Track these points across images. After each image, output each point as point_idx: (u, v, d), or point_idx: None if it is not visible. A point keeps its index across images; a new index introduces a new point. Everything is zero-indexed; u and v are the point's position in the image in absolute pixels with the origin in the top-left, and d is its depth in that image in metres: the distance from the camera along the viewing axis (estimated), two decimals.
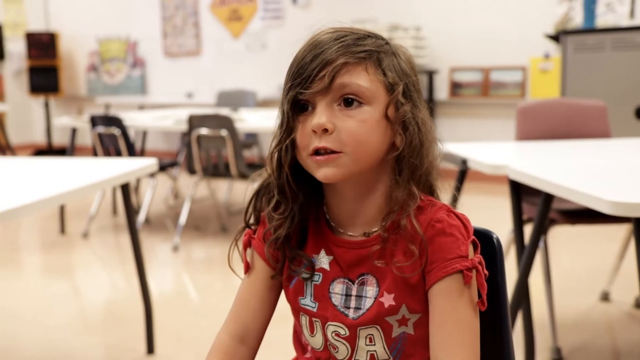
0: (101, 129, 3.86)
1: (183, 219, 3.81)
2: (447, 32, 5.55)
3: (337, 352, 0.91)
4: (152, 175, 3.98)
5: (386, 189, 0.88)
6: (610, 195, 1.35)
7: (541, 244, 2.19)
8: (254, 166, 3.94)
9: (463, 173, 2.12)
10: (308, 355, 0.96)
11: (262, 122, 3.99)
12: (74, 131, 4.21)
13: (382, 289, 0.87)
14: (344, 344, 0.90)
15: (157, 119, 4.39)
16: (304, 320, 0.93)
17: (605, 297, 2.68)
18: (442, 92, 5.66)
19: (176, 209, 4.66)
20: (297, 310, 0.94)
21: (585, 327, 2.43)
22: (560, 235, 3.41)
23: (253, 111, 4.94)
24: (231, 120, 3.60)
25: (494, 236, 0.96)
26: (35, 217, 4.46)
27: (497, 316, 0.95)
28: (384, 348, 0.88)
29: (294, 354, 1.00)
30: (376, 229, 0.88)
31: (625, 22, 3.94)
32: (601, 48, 3.85)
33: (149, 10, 7.27)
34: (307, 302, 0.92)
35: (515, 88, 5.38)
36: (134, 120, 4.20)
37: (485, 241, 0.95)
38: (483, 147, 2.33)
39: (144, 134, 5.22)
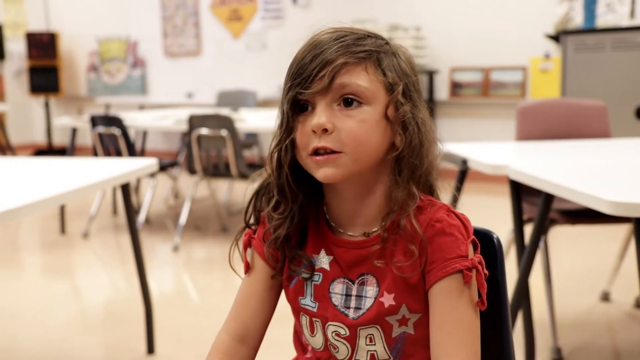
0: (101, 129, 3.86)
1: (183, 219, 3.81)
2: (447, 32, 5.55)
3: (337, 352, 0.91)
4: (152, 175, 3.98)
5: (386, 189, 0.88)
6: (611, 195, 1.35)
7: (541, 244, 2.19)
8: (254, 166, 3.94)
9: (463, 173, 2.12)
10: (308, 355, 0.96)
11: (262, 122, 3.99)
12: (74, 131, 4.21)
13: (382, 288, 0.87)
14: (344, 343, 0.90)
15: (157, 119, 4.39)
16: (304, 320, 0.93)
17: (605, 297, 2.68)
18: (442, 92, 5.66)
19: (176, 209, 4.66)
20: (297, 310, 0.94)
21: (585, 327, 2.43)
22: (560, 235, 3.41)
23: (253, 111, 4.95)
24: (231, 120, 3.60)
25: (494, 236, 0.96)
26: (36, 217, 4.46)
27: (497, 316, 0.95)
28: (384, 348, 0.88)
29: (294, 354, 1.00)
30: (376, 229, 0.88)
31: (626, 22, 3.94)
32: (601, 48, 3.85)
33: (149, 10, 7.27)
34: (307, 302, 0.92)
35: (516, 88, 5.38)
36: (134, 120, 4.20)
37: (486, 241, 0.95)
38: (483, 147, 2.33)
39: (144, 134, 5.22)
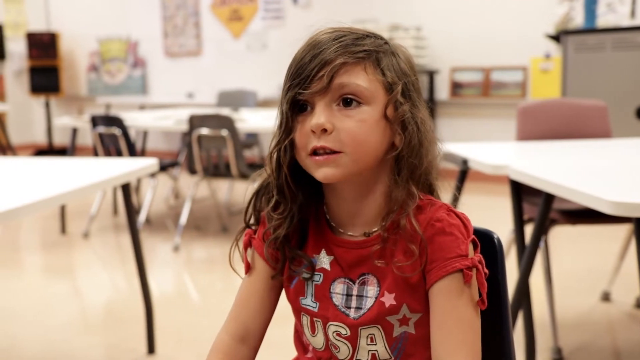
0: (102, 129, 3.87)
1: (184, 219, 3.81)
2: (447, 32, 5.55)
3: (338, 351, 0.91)
4: (152, 175, 3.98)
5: (385, 189, 0.87)
6: (611, 195, 1.35)
7: (542, 244, 2.19)
8: (255, 166, 3.94)
9: (464, 173, 2.12)
10: (309, 355, 0.96)
11: (262, 122, 3.99)
12: (74, 131, 4.21)
13: (383, 288, 0.87)
14: (345, 343, 0.90)
15: (157, 119, 4.39)
16: (305, 320, 0.93)
17: (606, 297, 2.68)
18: (442, 92, 5.65)
19: (177, 209, 4.66)
20: (298, 310, 0.94)
21: (586, 327, 2.43)
22: (560, 235, 3.41)
23: (253, 111, 4.95)
24: (232, 120, 3.60)
25: (495, 236, 0.96)
26: (36, 217, 4.46)
27: (497, 316, 0.95)
28: (385, 347, 0.88)
29: (294, 353, 1.00)
30: (376, 228, 0.88)
31: (626, 22, 3.94)
32: (602, 48, 3.84)
33: (149, 10, 7.27)
34: (308, 302, 0.92)
35: (516, 88, 5.38)
36: (134, 120, 4.20)
37: (486, 241, 0.95)
38: (484, 147, 2.33)
39: (145, 134, 5.22)
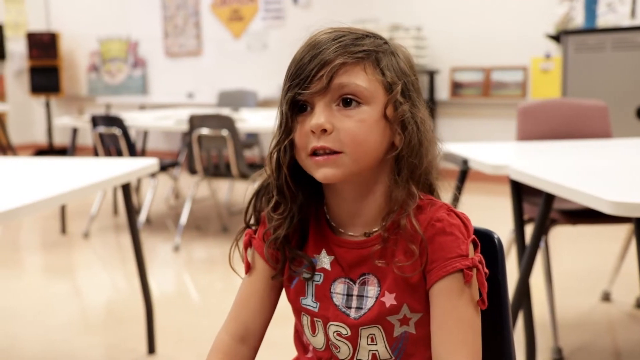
0: (102, 129, 3.87)
1: (184, 219, 3.81)
2: (448, 32, 5.55)
3: (338, 351, 0.91)
4: (153, 175, 3.98)
5: (386, 189, 0.87)
6: (611, 195, 1.35)
7: (542, 244, 2.19)
8: (255, 166, 3.95)
9: (464, 173, 2.12)
10: (309, 355, 0.96)
11: (262, 122, 3.99)
12: (74, 131, 4.21)
13: (384, 288, 0.87)
14: (345, 343, 0.90)
15: (158, 119, 4.39)
16: (306, 320, 0.93)
17: (606, 297, 2.68)
18: (443, 92, 5.65)
19: (177, 209, 4.66)
20: (298, 310, 0.94)
21: (586, 327, 2.43)
22: (561, 236, 3.41)
23: (254, 111, 4.95)
24: (232, 120, 3.60)
25: (495, 236, 0.96)
26: (36, 217, 4.46)
27: (498, 316, 0.95)
28: (386, 347, 0.88)
29: (294, 353, 1.00)
30: (376, 228, 0.88)
31: (626, 22, 3.94)
32: (602, 48, 3.84)
33: (149, 10, 7.27)
34: (309, 302, 0.92)
35: (516, 88, 5.38)
36: (134, 120, 4.20)
37: (486, 241, 0.95)
38: (484, 147, 2.33)
39: (145, 134, 5.22)
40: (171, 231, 4.09)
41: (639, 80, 3.78)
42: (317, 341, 0.93)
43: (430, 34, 5.56)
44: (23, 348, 2.41)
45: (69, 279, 3.32)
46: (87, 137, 5.58)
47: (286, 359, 1.05)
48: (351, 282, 0.90)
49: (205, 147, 3.70)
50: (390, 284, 0.87)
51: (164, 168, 4.03)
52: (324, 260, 0.92)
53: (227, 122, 3.60)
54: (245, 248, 0.96)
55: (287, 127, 0.86)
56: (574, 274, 3.01)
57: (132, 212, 2.20)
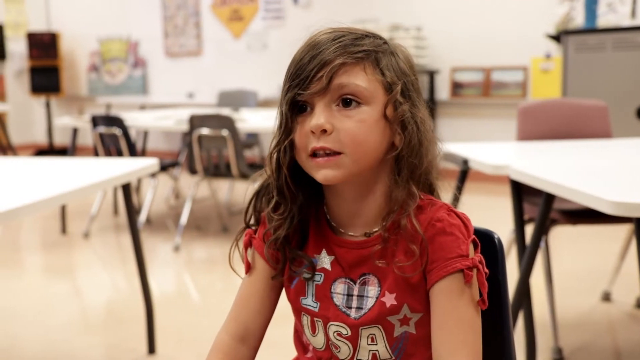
0: (102, 129, 3.87)
1: (184, 219, 3.81)
2: (448, 32, 5.55)
3: (339, 351, 0.91)
4: (153, 175, 3.98)
5: (386, 189, 0.87)
6: (612, 195, 1.35)
7: (542, 244, 2.19)
8: (255, 166, 3.95)
9: (464, 173, 2.12)
10: (309, 355, 0.96)
11: (263, 122, 3.99)
12: (75, 131, 4.22)
13: (384, 288, 0.87)
14: (345, 343, 0.90)
15: (158, 119, 4.39)
16: (306, 320, 0.93)
17: (606, 297, 2.68)
18: (443, 92, 5.65)
19: (177, 209, 4.66)
20: (298, 310, 0.94)
21: (586, 327, 2.43)
22: (561, 236, 3.41)
23: (254, 111, 4.95)
24: (232, 120, 3.60)
25: (495, 236, 0.96)
26: (37, 217, 4.46)
27: (498, 316, 0.95)
28: (386, 347, 0.88)
29: (294, 353, 1.00)
30: (377, 229, 0.88)
31: (627, 22, 3.94)
32: (602, 48, 3.84)
33: (150, 10, 7.27)
34: (309, 302, 0.92)
35: (517, 88, 5.38)
36: (135, 120, 4.20)
37: (487, 241, 0.95)
38: (484, 147, 2.33)
39: (145, 134, 5.22)
40: (171, 231, 4.09)
41: (639, 81, 3.78)
42: (317, 341, 0.93)
43: (431, 34, 5.56)
44: (23, 348, 2.41)
45: (69, 279, 3.32)
46: (87, 137, 5.59)
47: (286, 359, 1.05)
48: (351, 282, 0.90)
49: (206, 147, 3.70)
50: (390, 284, 0.87)
51: (164, 168, 4.03)
52: (324, 260, 0.92)
53: (227, 122, 3.60)
54: (246, 248, 0.96)
55: (287, 127, 0.86)
56: (574, 274, 3.01)
57: (132, 212, 2.20)
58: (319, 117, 0.83)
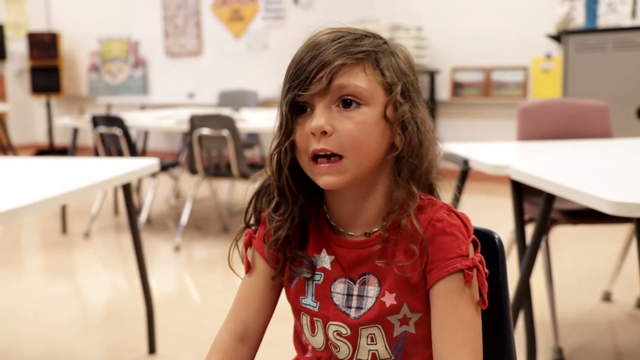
0: (103, 129, 3.87)
1: (184, 219, 3.81)
2: (448, 32, 5.55)
3: (338, 351, 0.91)
4: (153, 175, 3.98)
5: (386, 189, 0.87)
6: (612, 195, 1.35)
7: (543, 244, 2.19)
8: (256, 166, 3.95)
9: (464, 173, 2.12)
10: (309, 355, 0.96)
11: (263, 122, 3.99)
12: (75, 131, 4.22)
13: (384, 288, 0.87)
14: (345, 343, 0.90)
15: (158, 119, 4.39)
16: (305, 319, 0.93)
17: (607, 297, 2.68)
18: (443, 92, 5.65)
19: (177, 209, 4.66)
20: (298, 310, 0.94)
21: (586, 327, 2.43)
22: (561, 236, 3.41)
23: (254, 111, 4.95)
24: (232, 120, 3.60)
25: (496, 236, 0.96)
26: (37, 217, 4.46)
27: (498, 316, 0.95)
28: (386, 347, 0.88)
29: (294, 353, 1.00)
30: (377, 229, 0.88)
31: (627, 22, 3.93)
32: (603, 48, 3.84)
33: (150, 11, 7.27)
34: (309, 301, 0.92)
35: (517, 88, 5.38)
36: (135, 120, 4.20)
37: (487, 241, 0.95)
38: (484, 147, 2.32)
39: (146, 134, 5.22)
40: (172, 231, 4.09)
41: (639, 81, 3.78)
42: (316, 341, 0.93)
43: (431, 34, 5.56)
44: (23, 348, 2.41)
45: (69, 279, 3.32)
46: (87, 137, 5.59)
47: (286, 359, 1.05)
48: (351, 282, 0.90)
49: (206, 147, 3.70)
50: (390, 284, 0.87)
51: (164, 168, 4.03)
52: (324, 260, 0.92)
53: (228, 122, 3.60)
54: (246, 248, 0.96)
55: (287, 128, 0.86)
56: (574, 274, 3.01)
57: (132, 212, 2.20)
58: (319, 118, 0.83)
